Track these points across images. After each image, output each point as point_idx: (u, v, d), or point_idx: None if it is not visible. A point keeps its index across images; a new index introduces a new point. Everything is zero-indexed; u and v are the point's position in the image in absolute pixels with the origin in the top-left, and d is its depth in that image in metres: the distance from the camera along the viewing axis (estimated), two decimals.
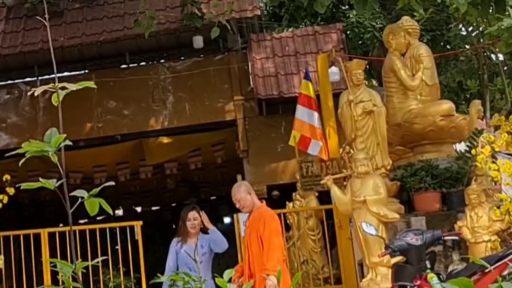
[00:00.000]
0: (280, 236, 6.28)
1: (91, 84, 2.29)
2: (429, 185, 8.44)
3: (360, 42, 13.45)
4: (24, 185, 2.13)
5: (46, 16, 2.70)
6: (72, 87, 2.23)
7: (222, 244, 6.73)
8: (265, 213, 6.33)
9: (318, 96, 9.88)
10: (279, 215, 9.90)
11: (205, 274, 6.48)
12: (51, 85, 2.21)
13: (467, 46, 13.33)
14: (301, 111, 9.66)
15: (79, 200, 2.06)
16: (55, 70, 2.33)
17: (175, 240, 6.92)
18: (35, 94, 2.28)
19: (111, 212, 2.14)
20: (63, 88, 2.20)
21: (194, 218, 6.79)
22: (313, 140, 9.41)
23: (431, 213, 8.28)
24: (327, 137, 9.50)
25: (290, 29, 13.90)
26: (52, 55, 2.43)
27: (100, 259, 2.47)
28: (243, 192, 6.35)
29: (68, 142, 2.08)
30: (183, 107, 12.97)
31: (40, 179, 2.08)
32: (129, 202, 18.75)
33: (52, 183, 2.08)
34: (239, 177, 10.90)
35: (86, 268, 2.12)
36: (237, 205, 6.43)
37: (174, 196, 18.44)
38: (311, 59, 11.84)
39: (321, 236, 10.08)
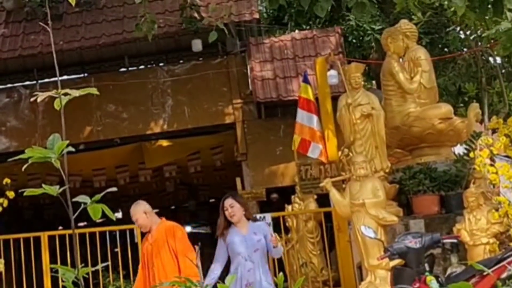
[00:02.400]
0: (190, 245, 6.40)
1: (93, 90, 2.30)
2: (428, 188, 8.47)
3: (358, 45, 13.48)
4: (27, 192, 2.15)
5: (50, 22, 2.73)
6: (75, 93, 2.23)
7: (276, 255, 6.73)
8: (171, 226, 6.46)
9: (317, 99, 9.91)
10: (278, 218, 9.99)
11: (262, 262, 6.29)
12: (54, 91, 2.22)
13: (465, 49, 13.36)
14: (301, 115, 9.69)
15: (82, 206, 2.08)
16: (57, 74, 2.35)
17: (219, 238, 6.62)
18: (38, 100, 2.29)
19: (114, 218, 2.17)
20: (65, 94, 2.20)
21: (230, 205, 6.47)
22: (313, 143, 9.44)
23: (430, 216, 8.30)
24: (326, 140, 9.52)
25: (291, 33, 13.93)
26: (55, 60, 2.44)
27: (102, 265, 2.49)
28: (138, 213, 6.49)
29: (70, 149, 2.10)
30: (182, 110, 13.00)
31: (43, 185, 2.10)
32: (128, 205, 18.52)
33: (54, 190, 2.10)
34: (238, 180, 10.93)
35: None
36: (136, 225, 6.58)
37: (173, 199, 18.48)
38: (309, 63, 11.87)
39: (320, 239, 10.11)
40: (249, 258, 6.17)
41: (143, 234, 9.73)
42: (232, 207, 6.49)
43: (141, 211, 6.50)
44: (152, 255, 6.30)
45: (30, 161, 2.07)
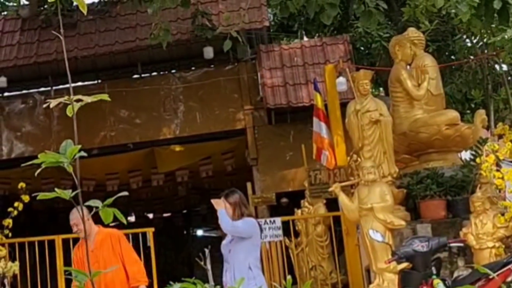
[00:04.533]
0: (133, 251, 6.45)
1: (105, 96, 2.38)
2: (435, 192, 8.55)
3: (367, 52, 13.57)
4: (40, 195, 2.23)
5: (62, 30, 2.82)
6: (87, 99, 2.29)
7: (223, 226, 6.04)
8: (114, 232, 6.41)
9: (326, 106, 10.03)
10: (288, 222, 10.10)
11: (237, 263, 5.96)
12: (66, 97, 2.31)
13: (472, 57, 13.41)
14: (315, 124, 9.82)
15: (94, 210, 2.19)
16: (69, 81, 2.42)
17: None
18: (51, 106, 2.38)
19: (125, 222, 2.27)
20: (78, 100, 2.30)
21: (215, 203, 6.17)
22: (323, 150, 9.56)
23: (437, 220, 8.38)
24: (335, 145, 9.63)
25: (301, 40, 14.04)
26: (67, 67, 2.51)
27: (114, 267, 2.59)
28: (80, 218, 6.07)
29: (83, 154, 2.19)
30: (194, 116, 13.15)
31: (56, 189, 2.17)
32: (141, 209, 18.91)
33: (67, 193, 2.20)
34: (248, 185, 11.04)
35: None
36: (74, 229, 6.35)
37: (185, 203, 18.61)
38: (319, 70, 11.99)
39: (329, 242, 10.19)
40: (226, 259, 6.07)
41: (155, 238, 9.89)
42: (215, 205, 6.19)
43: (85, 216, 6.37)
44: (95, 262, 6.06)
45: (43, 166, 2.16)
